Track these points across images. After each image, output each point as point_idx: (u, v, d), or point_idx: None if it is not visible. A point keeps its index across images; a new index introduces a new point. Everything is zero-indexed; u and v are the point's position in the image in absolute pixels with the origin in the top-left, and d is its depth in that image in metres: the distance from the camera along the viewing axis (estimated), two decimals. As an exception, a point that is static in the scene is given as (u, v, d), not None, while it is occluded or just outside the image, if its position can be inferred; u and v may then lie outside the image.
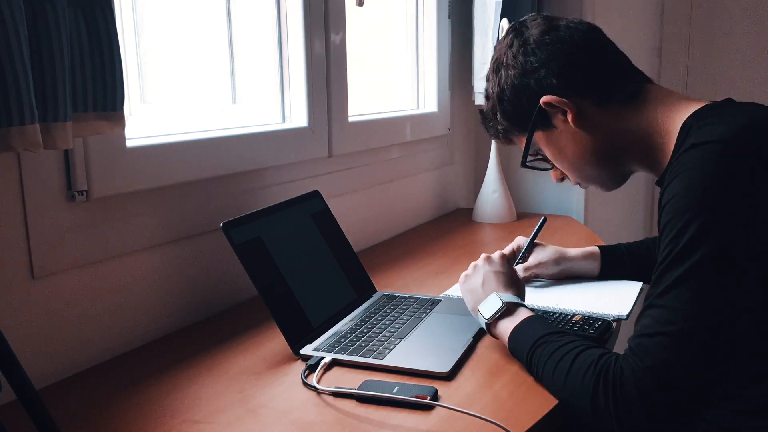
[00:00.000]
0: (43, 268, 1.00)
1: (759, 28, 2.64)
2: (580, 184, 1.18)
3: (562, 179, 1.21)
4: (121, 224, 1.11)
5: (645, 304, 0.91)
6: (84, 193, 1.03)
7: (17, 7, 0.77)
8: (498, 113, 1.17)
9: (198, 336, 1.19)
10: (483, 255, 1.19)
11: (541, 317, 1.07)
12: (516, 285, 1.14)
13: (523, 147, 1.17)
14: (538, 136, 1.14)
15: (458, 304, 1.28)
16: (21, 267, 0.98)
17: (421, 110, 2.03)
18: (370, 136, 1.73)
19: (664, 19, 2.72)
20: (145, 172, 1.13)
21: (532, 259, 1.39)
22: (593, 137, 1.08)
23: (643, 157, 1.07)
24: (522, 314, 1.05)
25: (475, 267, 1.17)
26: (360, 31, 2.05)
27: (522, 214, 2.11)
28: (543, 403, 0.93)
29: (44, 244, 1.00)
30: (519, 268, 1.37)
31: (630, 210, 2.70)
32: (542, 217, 1.45)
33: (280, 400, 0.94)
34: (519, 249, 1.41)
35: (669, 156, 1.00)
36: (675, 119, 1.01)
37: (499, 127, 1.19)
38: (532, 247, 1.41)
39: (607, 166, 1.12)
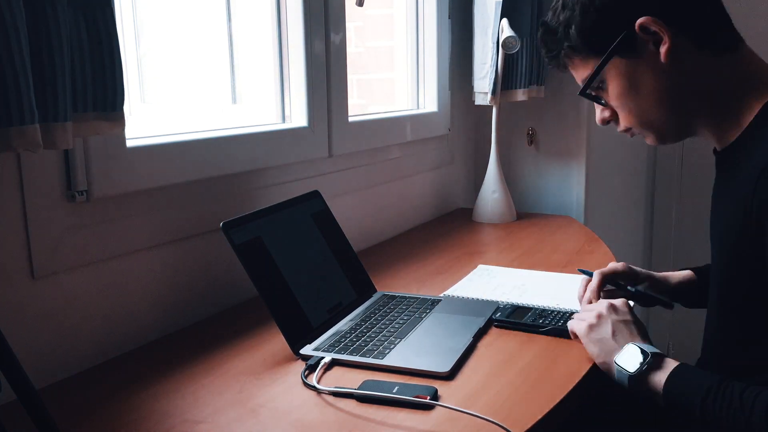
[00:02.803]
0: (43, 268, 1.00)
1: (758, 23, 2.64)
2: (629, 131, 1.05)
3: (609, 122, 1.07)
4: (121, 224, 1.11)
5: None
6: (84, 193, 1.03)
7: (17, 7, 0.77)
8: (573, 26, 1.00)
9: (198, 336, 1.19)
10: (605, 302, 1.08)
11: (693, 367, 0.99)
12: (646, 333, 1.06)
13: (579, 74, 1.04)
14: (614, 64, 0.99)
15: (458, 304, 1.28)
16: (21, 267, 0.98)
17: (421, 110, 2.03)
18: (370, 136, 1.73)
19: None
20: (145, 172, 1.13)
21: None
22: (677, 77, 0.97)
23: (715, 118, 0.98)
24: (670, 364, 0.98)
25: (600, 316, 1.06)
26: (360, 31, 2.05)
27: (522, 214, 2.11)
28: (543, 403, 0.93)
29: (44, 244, 1.00)
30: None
31: (630, 210, 2.70)
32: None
33: (280, 400, 0.94)
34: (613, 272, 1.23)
35: (740, 131, 0.94)
36: (760, 94, 0.94)
37: (565, 44, 1.03)
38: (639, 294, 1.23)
39: (678, 113, 1.00)
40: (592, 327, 1.06)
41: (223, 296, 1.32)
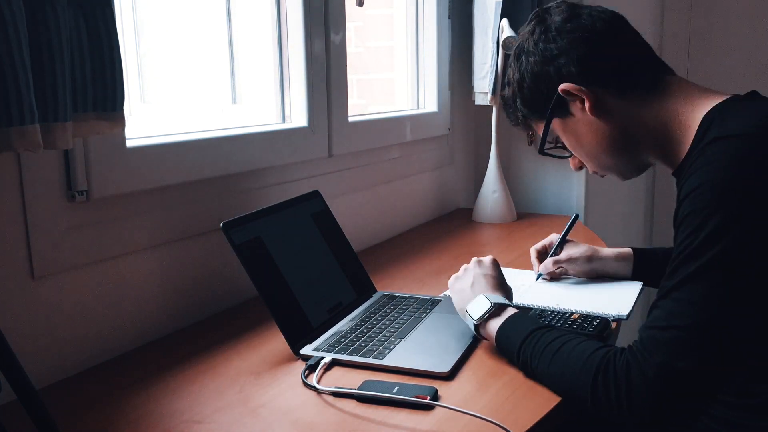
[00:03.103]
0: (43, 268, 1.00)
1: (758, 26, 2.64)
2: (597, 173, 1.18)
3: (581, 168, 1.21)
4: (121, 224, 1.11)
5: (658, 294, 0.92)
6: (84, 193, 1.03)
7: (17, 7, 0.77)
8: (518, 100, 1.16)
9: (198, 336, 1.19)
10: (474, 258, 1.20)
11: (527, 314, 1.08)
12: (504, 288, 1.15)
13: (541, 134, 1.16)
14: (556, 124, 1.13)
15: (458, 304, 1.28)
16: (21, 267, 0.98)
17: (421, 110, 2.03)
18: (370, 136, 1.73)
19: (664, 19, 2.72)
20: (145, 172, 1.13)
21: (564, 254, 1.40)
22: (610, 126, 1.08)
23: (660, 148, 1.07)
24: (508, 312, 1.06)
25: (465, 269, 1.18)
26: (360, 31, 2.05)
27: (522, 214, 2.11)
28: (543, 403, 0.93)
29: (44, 244, 1.00)
30: (548, 261, 1.40)
31: (630, 210, 2.71)
32: (574, 215, 1.50)
33: (280, 400, 0.94)
34: (551, 245, 1.44)
35: (687, 148, 1.00)
36: (696, 112, 1.00)
37: (519, 114, 1.18)
38: (563, 242, 1.43)
39: (623, 155, 1.11)
40: (456, 278, 1.18)
41: (223, 296, 1.32)
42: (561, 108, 1.10)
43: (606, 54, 1.07)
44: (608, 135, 1.08)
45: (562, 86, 1.07)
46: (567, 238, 1.44)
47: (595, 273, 1.39)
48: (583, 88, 1.06)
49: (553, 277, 1.42)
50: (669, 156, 1.06)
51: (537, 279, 1.42)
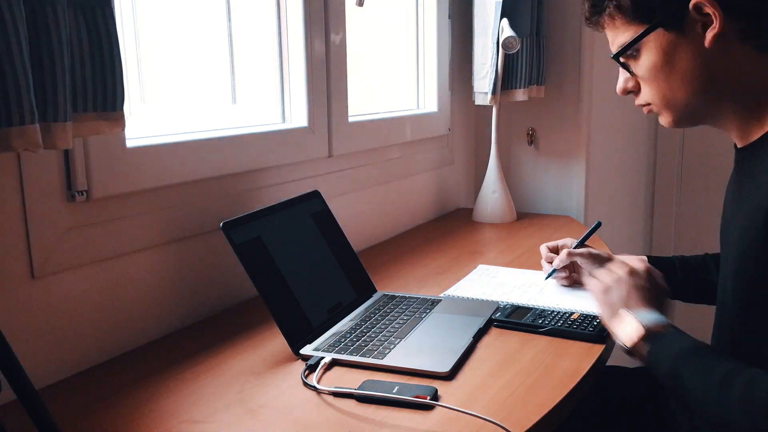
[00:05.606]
0: (43, 268, 1.00)
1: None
2: (648, 106, 1.04)
3: (629, 93, 1.06)
4: (121, 224, 1.11)
5: None
6: (84, 193, 1.03)
7: (17, 7, 0.77)
8: None
9: (198, 336, 1.19)
10: (625, 266, 1.09)
11: (678, 334, 0.98)
12: (658, 301, 1.05)
13: (617, 37, 1.02)
14: (656, 36, 0.97)
15: (458, 304, 1.28)
16: (21, 267, 0.98)
17: (421, 110, 2.03)
18: (370, 136, 1.73)
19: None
20: (145, 172, 1.13)
21: (584, 250, 1.33)
22: (716, 65, 0.96)
23: (745, 112, 0.98)
24: (660, 332, 0.98)
25: (617, 279, 1.07)
26: (360, 31, 2.05)
27: (522, 214, 2.11)
28: (543, 403, 0.93)
29: (44, 244, 1.00)
30: (563, 253, 1.34)
31: (630, 210, 2.71)
32: (596, 222, 1.44)
33: (280, 400, 0.94)
34: (564, 246, 1.38)
35: (763, 131, 0.94)
36: None
37: (613, 3, 1.00)
38: (581, 246, 1.38)
39: (704, 99, 0.99)
40: (607, 289, 1.07)
41: (223, 296, 1.32)
42: (676, 21, 0.95)
43: None
44: (706, 72, 0.96)
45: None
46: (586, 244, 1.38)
47: None
48: (721, 11, 0.92)
49: (562, 280, 1.38)
50: (744, 125, 0.98)
51: (547, 278, 1.40)
